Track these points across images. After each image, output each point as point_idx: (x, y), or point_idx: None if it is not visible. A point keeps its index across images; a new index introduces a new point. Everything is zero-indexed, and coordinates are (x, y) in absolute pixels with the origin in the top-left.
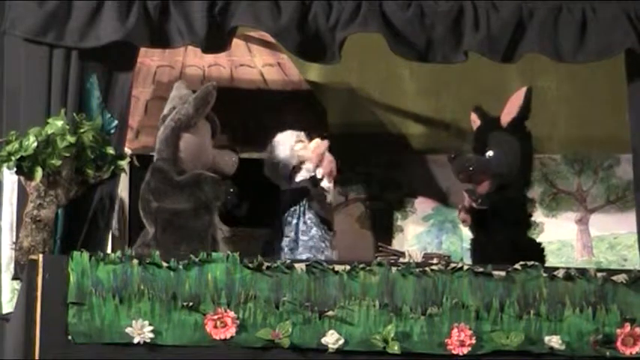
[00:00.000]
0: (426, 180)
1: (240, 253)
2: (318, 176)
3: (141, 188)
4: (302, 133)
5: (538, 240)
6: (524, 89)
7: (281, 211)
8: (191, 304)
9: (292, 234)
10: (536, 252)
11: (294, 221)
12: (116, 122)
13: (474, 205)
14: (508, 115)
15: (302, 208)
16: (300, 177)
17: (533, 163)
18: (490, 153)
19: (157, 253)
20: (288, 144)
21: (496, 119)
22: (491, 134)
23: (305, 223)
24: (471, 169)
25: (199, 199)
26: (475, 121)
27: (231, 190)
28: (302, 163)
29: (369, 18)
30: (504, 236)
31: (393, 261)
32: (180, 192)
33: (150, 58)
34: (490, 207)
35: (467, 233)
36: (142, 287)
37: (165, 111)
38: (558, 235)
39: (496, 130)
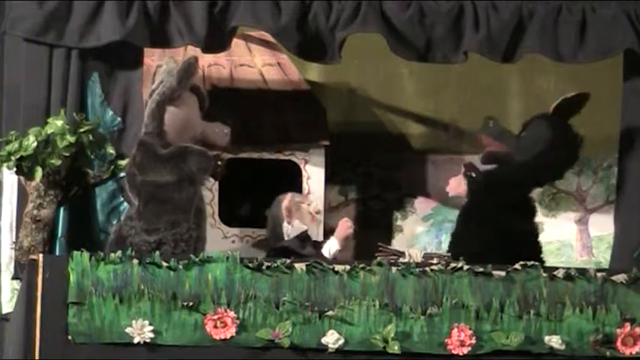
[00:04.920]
0: (426, 180)
1: (240, 252)
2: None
3: (127, 163)
4: (301, 196)
5: (535, 232)
6: (580, 92)
7: None
8: (191, 304)
9: None
10: (528, 244)
11: None
12: (118, 120)
13: (465, 179)
14: (553, 104)
15: None
16: (288, 235)
17: (566, 162)
18: (523, 133)
19: (157, 253)
20: (282, 204)
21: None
22: (535, 120)
23: None
24: (491, 125)
25: (183, 172)
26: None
27: (219, 162)
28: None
29: (369, 18)
30: (495, 221)
31: (393, 261)
32: (164, 165)
33: (150, 58)
34: (488, 188)
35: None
36: (142, 287)
37: (154, 85)
38: (558, 235)
39: (540, 118)
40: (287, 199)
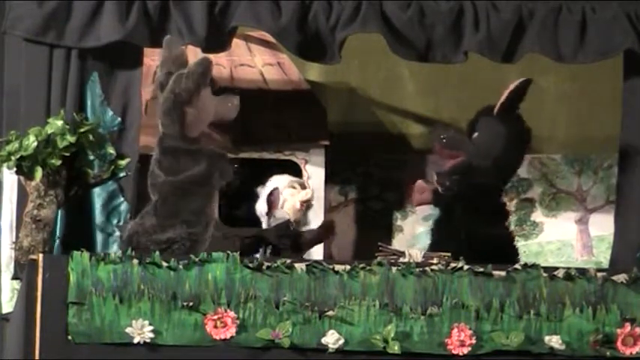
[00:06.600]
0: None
1: (240, 252)
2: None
3: (151, 163)
4: (297, 180)
5: (511, 236)
6: (520, 79)
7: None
8: (191, 304)
9: None
10: (504, 245)
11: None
12: (118, 120)
13: (440, 189)
14: (499, 101)
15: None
16: (269, 224)
17: (521, 156)
18: (475, 135)
19: (157, 253)
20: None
21: (492, 107)
22: (482, 119)
23: None
24: (444, 139)
25: (203, 175)
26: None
27: (235, 166)
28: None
29: (369, 18)
30: (468, 224)
31: (393, 261)
32: (187, 166)
33: (150, 58)
34: (458, 192)
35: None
36: (142, 287)
37: (161, 76)
38: (558, 234)
39: (487, 116)
40: (273, 190)
